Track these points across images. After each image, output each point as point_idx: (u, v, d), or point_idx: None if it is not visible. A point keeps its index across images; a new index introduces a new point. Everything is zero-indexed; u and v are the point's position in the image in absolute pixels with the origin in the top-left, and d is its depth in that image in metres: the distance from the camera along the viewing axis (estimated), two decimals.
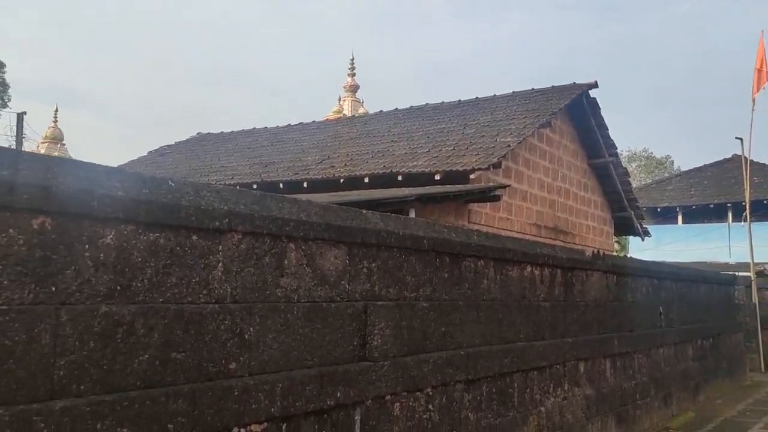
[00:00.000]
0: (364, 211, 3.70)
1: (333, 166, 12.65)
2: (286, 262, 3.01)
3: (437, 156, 11.02)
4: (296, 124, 18.24)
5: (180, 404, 2.38)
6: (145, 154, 19.64)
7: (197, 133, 20.75)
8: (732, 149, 26.73)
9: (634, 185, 33.01)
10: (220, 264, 2.68)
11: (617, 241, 29.21)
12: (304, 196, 4.59)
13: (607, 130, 13.40)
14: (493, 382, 4.62)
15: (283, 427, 2.82)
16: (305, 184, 12.24)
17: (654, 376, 7.98)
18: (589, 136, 13.30)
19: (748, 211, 15.88)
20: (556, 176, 12.32)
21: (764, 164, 25.13)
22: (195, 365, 2.51)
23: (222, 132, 19.92)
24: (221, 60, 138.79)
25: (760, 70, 14.85)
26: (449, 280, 4.33)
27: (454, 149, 11.06)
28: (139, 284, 2.37)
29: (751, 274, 15.04)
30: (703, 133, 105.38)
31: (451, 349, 4.21)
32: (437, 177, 10.08)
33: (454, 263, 4.42)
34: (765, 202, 22.59)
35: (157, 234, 2.46)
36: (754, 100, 15.08)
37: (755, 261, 16.15)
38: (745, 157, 16.70)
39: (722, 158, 27.11)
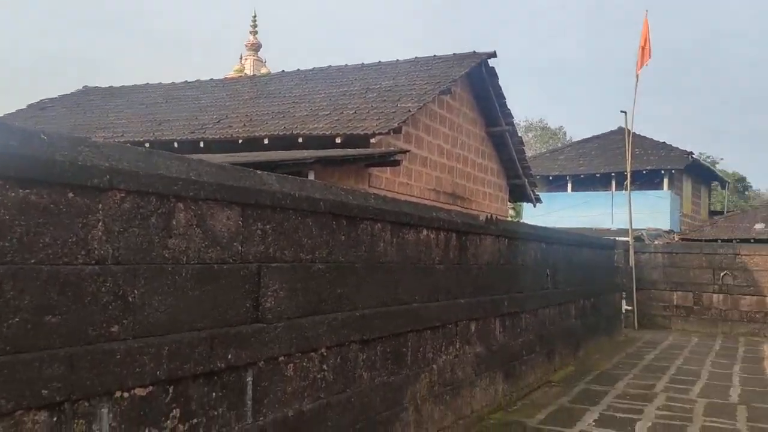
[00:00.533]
0: (259, 172, 3.62)
1: (231, 126, 12.25)
2: (174, 223, 2.90)
3: (338, 119, 10.95)
4: (193, 81, 17.46)
5: (56, 369, 2.26)
6: (24, 107, 18.12)
7: (83, 87, 19.36)
8: (619, 122, 28.56)
9: (529, 154, 34.56)
10: (100, 224, 2.54)
11: (512, 208, 30.56)
12: (200, 157, 4.42)
13: (505, 99, 13.84)
14: (387, 342, 4.74)
15: (170, 389, 2.76)
16: (202, 144, 11.79)
17: (540, 334, 8.50)
18: (487, 105, 13.68)
19: (628, 180, 17.08)
20: (455, 143, 12.62)
21: (645, 137, 27.00)
22: (73, 329, 2.38)
23: (111, 86, 18.68)
24: (112, 2, 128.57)
25: (643, 48, 15.81)
26: (346, 243, 4.36)
27: (355, 113, 11.03)
28: (7, 244, 2.21)
29: (629, 239, 16.27)
30: (595, 105, 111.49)
31: (347, 311, 4.26)
32: (338, 140, 10.04)
33: (351, 226, 4.45)
34: (644, 172, 24.36)
35: (28, 191, 2.29)
36: (637, 76, 16.09)
37: (633, 227, 17.48)
38: (628, 130, 17.86)
39: (609, 130, 28.85)
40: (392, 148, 9.98)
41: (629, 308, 14.40)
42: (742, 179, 45.91)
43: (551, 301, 9.09)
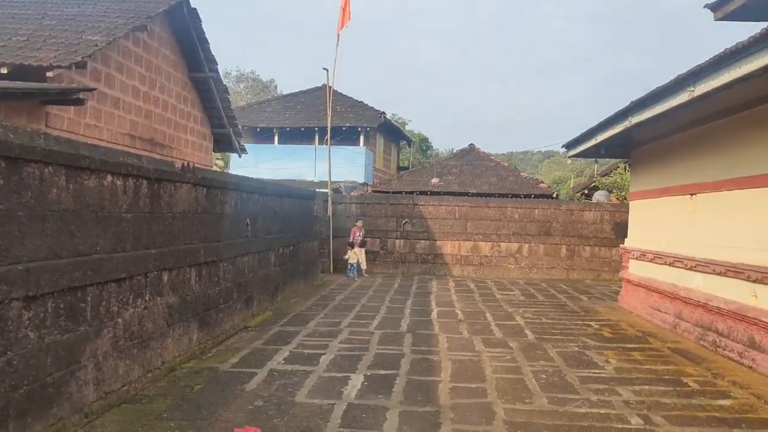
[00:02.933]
0: None
1: None
2: None
3: (5, 45, 9.30)
4: None
5: None
6: None
7: None
8: (325, 79, 29.81)
9: (241, 105, 34.13)
10: None
11: (220, 158, 30.04)
12: None
13: (208, 44, 13.36)
14: (61, 297, 4.32)
15: None
16: None
17: (238, 281, 8.65)
18: (190, 49, 13.05)
19: (329, 135, 18.14)
20: (153, 86, 11.81)
21: (345, 95, 28.85)
22: None
23: None
24: None
25: (344, 9, 16.71)
26: (5, 188, 3.80)
27: (28, 40, 9.49)
28: None
29: (328, 190, 17.41)
30: (310, 61, 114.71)
31: (7, 264, 3.75)
32: (4, 70, 8.54)
33: (14, 169, 3.89)
34: (344, 128, 26.10)
35: None
36: (338, 36, 16.98)
37: (333, 179, 18.71)
38: (329, 87, 18.87)
39: (314, 86, 30.08)
40: (75, 85, 8.88)
41: (347, 258, 16.13)
42: (425, 139, 52.37)
43: (251, 250, 9.29)
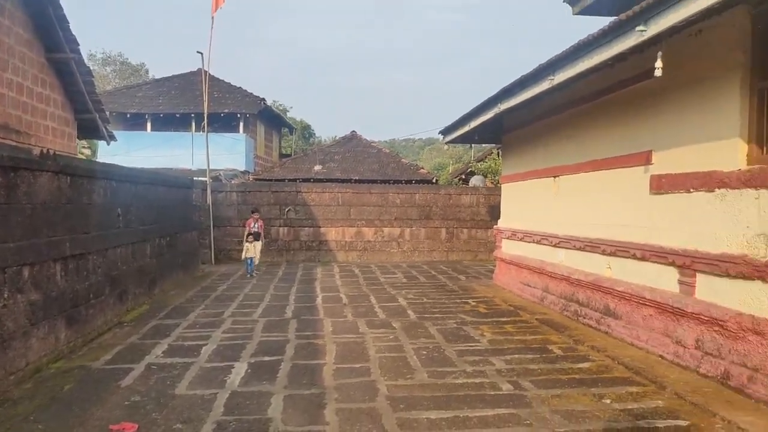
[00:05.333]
0: None
1: None
2: None
3: None
4: None
5: None
6: None
7: None
8: (200, 62, 28.62)
9: (108, 89, 31.99)
10: None
11: (88, 147, 28.08)
12: None
13: (68, 23, 12.39)
14: None
15: None
16: None
17: (110, 275, 8.20)
18: (47, 27, 12.04)
19: (206, 121, 17.52)
20: (5, 67, 10.79)
21: (223, 81, 27.96)
22: None
23: None
24: None
25: None
26: None
27: None
28: None
29: (207, 179, 16.86)
30: (180, 42, 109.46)
31: None
32: None
33: None
34: (222, 114, 25.31)
35: None
36: (213, 18, 16.41)
37: (212, 167, 18.14)
38: (205, 71, 18.20)
39: (189, 71, 28.82)
40: None
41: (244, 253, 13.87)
42: (307, 127, 52.01)
43: (123, 241, 8.83)
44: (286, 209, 17.51)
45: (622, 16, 5.42)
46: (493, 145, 22.46)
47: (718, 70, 5.71)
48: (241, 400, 5.04)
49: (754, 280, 5.13)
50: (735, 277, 5.35)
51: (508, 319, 8.64)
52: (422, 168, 28.90)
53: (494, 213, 16.50)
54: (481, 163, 26.33)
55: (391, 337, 7.44)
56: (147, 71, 51.48)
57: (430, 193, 18.32)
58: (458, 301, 10.25)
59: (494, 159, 24.30)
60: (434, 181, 25.56)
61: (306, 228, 17.60)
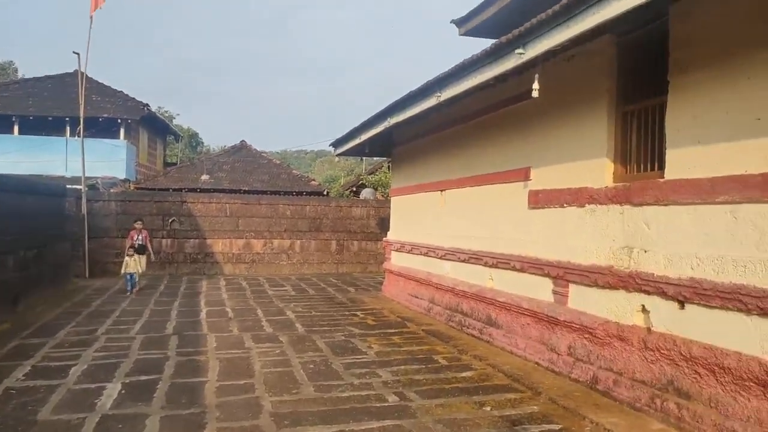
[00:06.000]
0: None
1: None
2: None
3: None
4: None
5: None
6: None
7: None
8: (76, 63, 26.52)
9: None
10: None
11: None
12: None
13: None
14: None
15: None
16: None
17: None
18: None
19: (82, 126, 16.40)
20: None
21: (103, 84, 26.40)
22: None
23: None
24: None
25: None
26: None
27: None
28: None
29: (82, 187, 15.76)
30: (54, 42, 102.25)
31: None
32: None
33: None
34: (100, 119, 23.85)
35: None
36: (91, 18, 15.46)
37: (89, 175, 17.00)
38: (82, 72, 17.09)
39: (65, 72, 26.92)
40: None
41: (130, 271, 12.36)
42: (195, 135, 50.25)
43: None
44: (170, 220, 16.74)
45: (503, 39, 5.69)
46: (384, 158, 22.82)
47: (589, 94, 6.13)
48: (113, 423, 4.70)
49: (618, 289, 5.52)
50: (603, 287, 5.74)
51: (396, 330, 8.73)
52: (314, 180, 28.78)
53: (384, 225, 16.72)
54: (372, 176, 26.65)
55: (277, 351, 7.27)
56: (16, 70, 47.56)
57: (321, 205, 18.26)
58: (347, 313, 10.24)
59: (385, 172, 24.68)
60: (325, 193, 25.53)
61: (191, 240, 16.92)
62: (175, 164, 31.24)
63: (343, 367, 6.54)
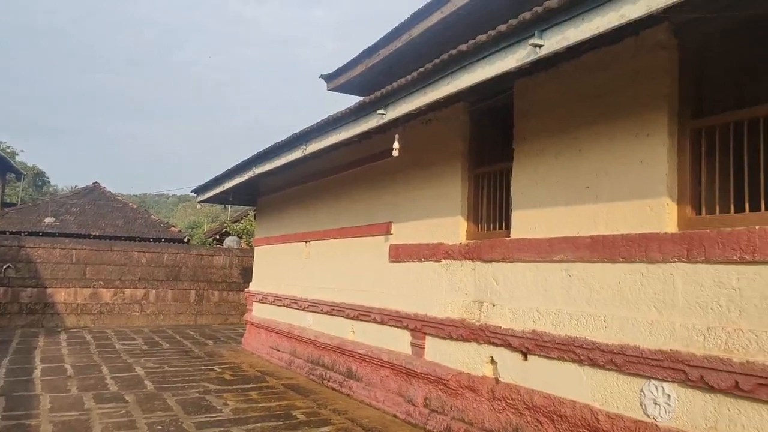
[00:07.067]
0: None
1: None
2: None
3: None
4: None
5: None
6: None
7: None
8: None
9: None
10: None
11: None
12: None
13: None
14: None
15: None
16: None
17: None
18: None
19: None
20: None
21: None
22: None
23: None
24: None
25: None
26: None
27: None
28: None
29: None
30: None
31: None
32: None
33: None
34: None
35: None
36: None
37: None
38: None
39: None
40: None
41: None
42: (41, 173, 46.42)
43: None
44: (4, 267, 15.14)
45: (366, 99, 5.94)
46: (250, 206, 22.46)
47: (446, 156, 6.52)
48: None
49: (470, 341, 5.80)
50: (456, 339, 5.99)
51: (254, 385, 8.45)
52: (174, 226, 27.57)
53: (248, 275, 16.30)
54: (237, 223, 26.05)
55: (122, 411, 6.73)
56: None
57: (180, 253, 17.46)
58: (203, 368, 9.75)
59: (250, 220, 24.24)
60: (186, 240, 24.50)
61: (29, 288, 15.37)
62: (14, 204, 28.50)
63: (195, 426, 6.19)
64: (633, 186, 4.31)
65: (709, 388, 3.66)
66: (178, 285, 17.12)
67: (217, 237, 26.90)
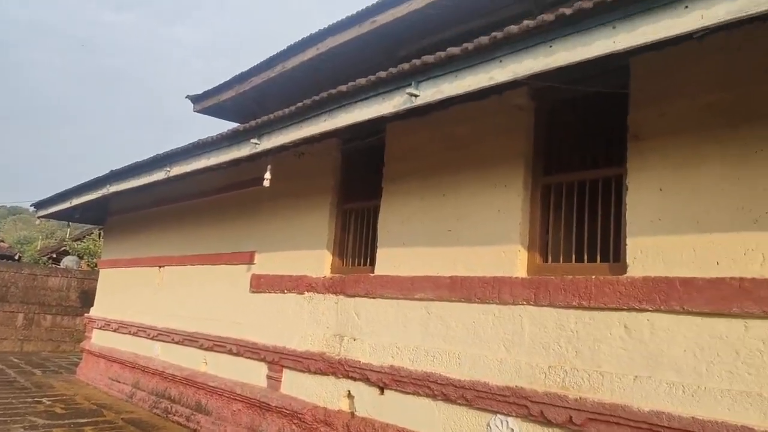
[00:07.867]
0: None
1: None
2: None
3: None
4: None
5: None
6: None
7: None
8: None
9: None
10: None
11: None
12: None
13: None
14: None
15: None
16: None
17: None
18: None
19: None
20: None
21: None
22: None
23: None
24: None
25: None
26: None
27: None
28: None
29: None
30: None
31: None
32: None
33: None
34: None
35: None
36: None
37: None
38: None
39: None
40: None
41: None
42: None
43: None
44: None
45: (240, 127, 5.88)
46: (96, 225, 20.90)
47: (315, 190, 6.59)
48: None
49: (329, 375, 5.82)
50: (315, 372, 5.98)
51: (89, 420, 7.78)
52: (2, 241, 24.87)
53: (88, 299, 15.06)
54: (79, 242, 24.03)
55: None
56: None
57: (9, 272, 15.76)
58: (30, 400, 8.81)
59: (94, 240, 22.51)
60: (17, 257, 22.16)
61: None
62: None
63: None
64: (490, 232, 4.66)
65: (548, 422, 3.99)
66: (5, 307, 15.38)
67: (54, 255, 24.63)
